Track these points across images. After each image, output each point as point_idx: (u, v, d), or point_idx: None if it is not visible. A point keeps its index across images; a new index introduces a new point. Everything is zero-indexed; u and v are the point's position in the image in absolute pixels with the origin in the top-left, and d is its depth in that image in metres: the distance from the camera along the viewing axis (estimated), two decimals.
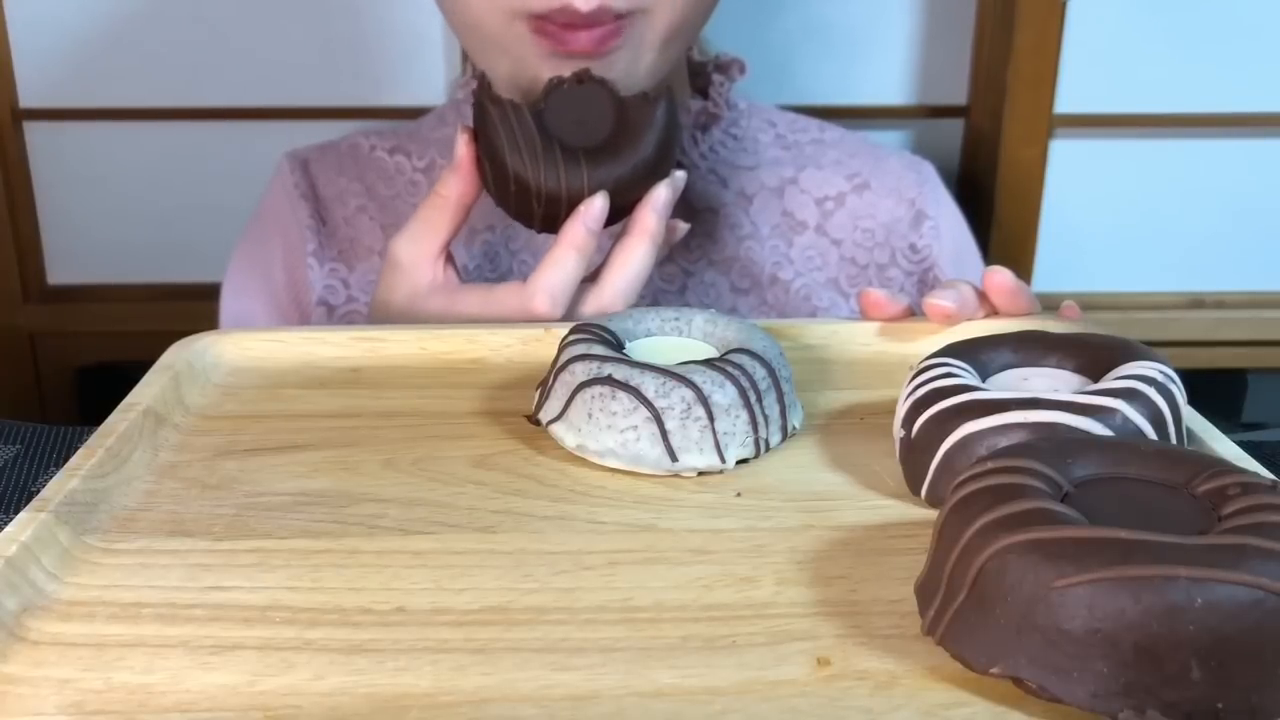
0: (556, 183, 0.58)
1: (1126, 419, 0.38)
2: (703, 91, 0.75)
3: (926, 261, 0.75)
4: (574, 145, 0.59)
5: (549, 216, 0.59)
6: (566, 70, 0.60)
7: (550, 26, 0.61)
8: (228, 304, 0.75)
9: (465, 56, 0.99)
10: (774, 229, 0.74)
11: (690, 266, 0.72)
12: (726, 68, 0.75)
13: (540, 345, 0.52)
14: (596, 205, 0.57)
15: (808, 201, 0.75)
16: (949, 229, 0.77)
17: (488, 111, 0.58)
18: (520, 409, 0.47)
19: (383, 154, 0.76)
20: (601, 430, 0.42)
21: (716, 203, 0.73)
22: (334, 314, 0.72)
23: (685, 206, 0.73)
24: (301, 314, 0.73)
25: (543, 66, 0.61)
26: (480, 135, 0.59)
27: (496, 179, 0.59)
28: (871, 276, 0.75)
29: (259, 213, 0.78)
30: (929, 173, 0.79)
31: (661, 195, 0.59)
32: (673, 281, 0.72)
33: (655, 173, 0.59)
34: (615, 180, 0.58)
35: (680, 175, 0.60)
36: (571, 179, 0.58)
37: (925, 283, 0.75)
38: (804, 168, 0.76)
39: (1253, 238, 1.06)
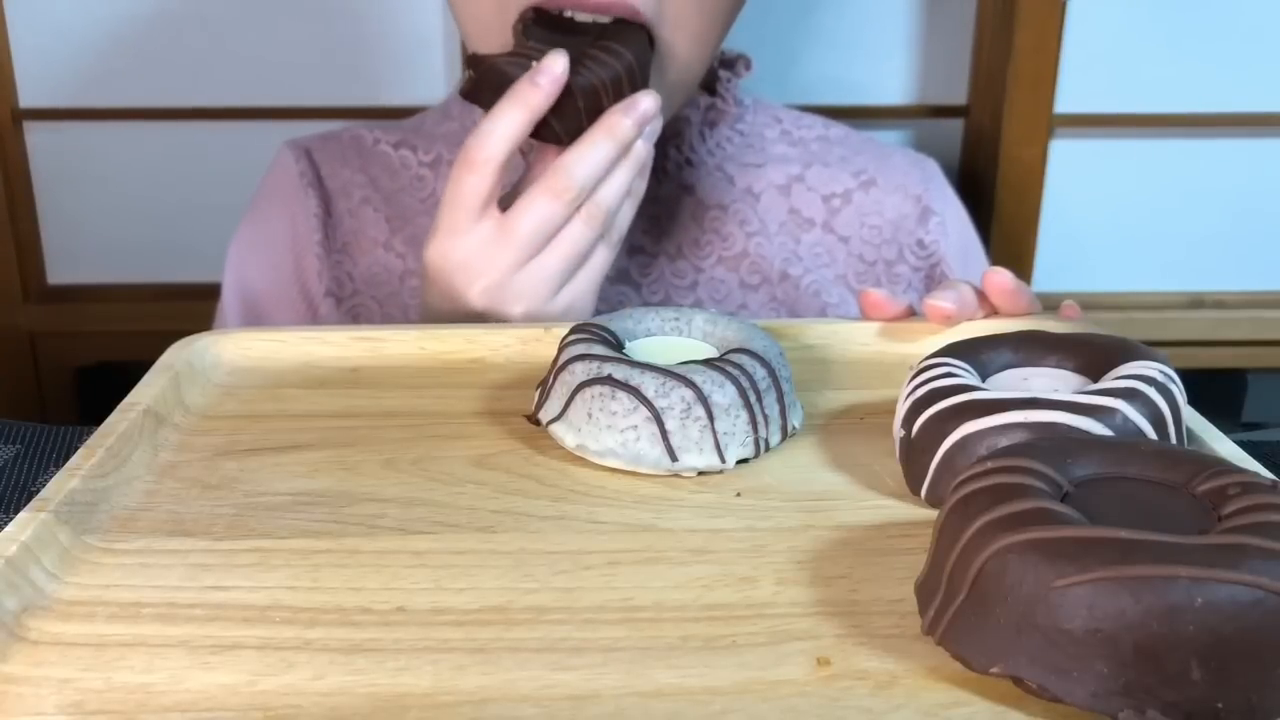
0: (616, 72, 0.57)
1: (1126, 419, 0.38)
2: (709, 88, 0.75)
3: (934, 257, 0.75)
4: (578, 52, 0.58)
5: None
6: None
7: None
8: (229, 297, 0.75)
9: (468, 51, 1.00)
10: (781, 226, 0.74)
11: (700, 264, 0.72)
12: (732, 64, 0.75)
13: (540, 345, 0.52)
14: (551, 61, 0.56)
15: (814, 199, 0.75)
16: (955, 225, 0.77)
17: (503, 71, 0.57)
18: (520, 409, 0.47)
19: (387, 148, 0.76)
20: (601, 430, 0.42)
21: (725, 200, 0.73)
22: (341, 306, 0.72)
23: (694, 203, 0.73)
24: (309, 304, 0.73)
25: None
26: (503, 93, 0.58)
27: (560, 112, 0.57)
28: (880, 273, 0.75)
29: (259, 202, 0.77)
30: (933, 169, 0.79)
31: (642, 103, 0.58)
32: (684, 278, 0.72)
33: (635, 80, 0.59)
34: (608, 69, 0.57)
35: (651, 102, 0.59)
36: (621, 60, 0.57)
37: (933, 278, 0.75)
38: (810, 165, 0.76)
39: (1253, 238, 1.06)
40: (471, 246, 0.57)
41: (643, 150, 0.59)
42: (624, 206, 0.60)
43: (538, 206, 0.56)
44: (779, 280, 0.73)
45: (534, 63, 0.57)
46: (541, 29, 0.60)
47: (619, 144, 0.57)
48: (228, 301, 0.75)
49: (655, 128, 0.59)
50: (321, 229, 0.73)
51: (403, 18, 1.00)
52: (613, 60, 0.57)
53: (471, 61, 0.59)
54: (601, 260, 0.60)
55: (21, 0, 0.98)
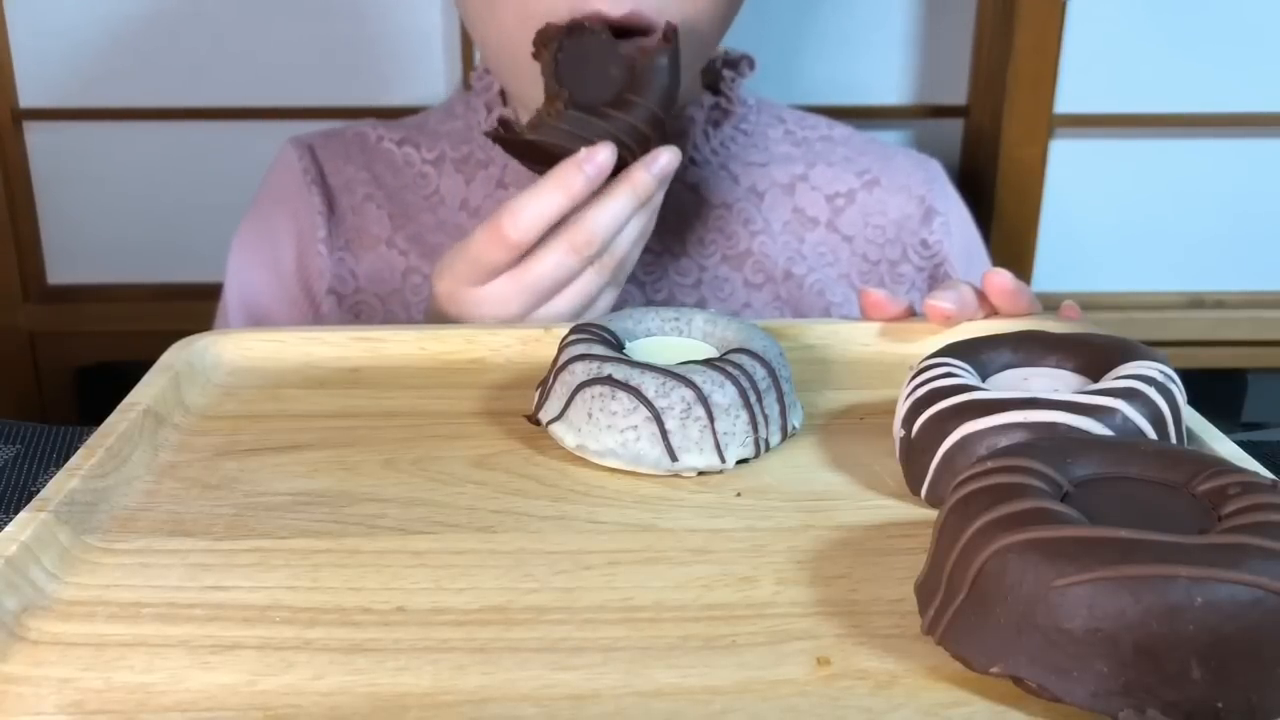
0: (641, 132, 0.57)
1: (1126, 419, 0.38)
2: (712, 88, 0.75)
3: (937, 257, 0.75)
4: (591, 101, 0.58)
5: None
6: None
7: None
8: (231, 293, 0.75)
9: (468, 58, 1.00)
10: (785, 225, 0.74)
11: (704, 262, 0.72)
12: (736, 63, 0.75)
13: (540, 345, 0.52)
14: (601, 153, 0.57)
15: (818, 198, 0.75)
16: (958, 225, 0.77)
17: (547, 149, 0.58)
18: (520, 409, 0.47)
19: (390, 145, 0.76)
20: (601, 430, 0.42)
21: (730, 199, 0.73)
22: (344, 303, 0.72)
23: (698, 202, 0.73)
24: (311, 301, 0.73)
25: None
26: (541, 157, 0.58)
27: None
28: (883, 273, 0.75)
29: (262, 200, 0.77)
30: (936, 170, 0.79)
31: (661, 158, 0.58)
32: (687, 276, 0.72)
33: (659, 127, 0.59)
34: (630, 129, 0.58)
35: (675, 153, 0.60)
36: (642, 113, 0.58)
37: (936, 278, 0.75)
38: (814, 164, 0.76)
39: (1253, 238, 1.06)
40: (487, 292, 0.57)
41: (658, 199, 0.60)
42: (634, 249, 0.60)
43: (556, 258, 0.56)
44: (783, 279, 0.73)
45: (582, 148, 0.57)
46: (570, 59, 0.59)
47: (640, 199, 0.58)
48: (230, 298, 0.75)
49: (670, 174, 0.60)
50: (325, 226, 0.73)
51: (403, 17, 1.00)
52: (632, 117, 0.58)
53: (503, 123, 0.58)
54: (607, 301, 0.61)
55: (21, 0, 0.98)
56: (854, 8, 1.01)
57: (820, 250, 0.74)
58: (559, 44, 0.59)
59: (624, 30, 0.61)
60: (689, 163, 0.73)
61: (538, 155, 0.58)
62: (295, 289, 0.73)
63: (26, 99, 1.01)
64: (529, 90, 0.66)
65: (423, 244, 0.72)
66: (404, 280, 0.72)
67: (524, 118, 0.72)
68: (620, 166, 0.58)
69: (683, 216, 0.73)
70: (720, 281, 0.72)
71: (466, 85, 0.77)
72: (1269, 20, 1.00)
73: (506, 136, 0.58)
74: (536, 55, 0.60)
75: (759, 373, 0.43)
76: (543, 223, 0.56)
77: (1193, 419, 0.42)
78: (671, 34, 0.60)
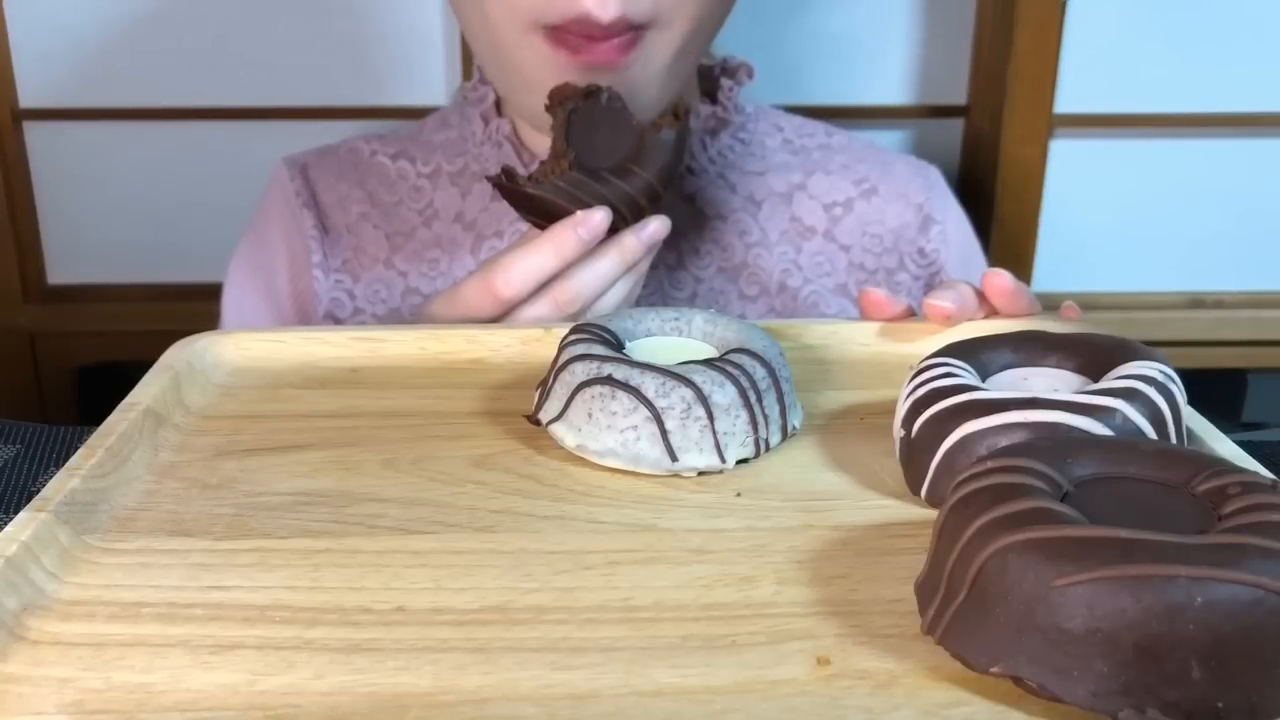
0: (634, 200, 0.59)
1: (1126, 419, 0.38)
2: (710, 95, 0.75)
3: (934, 266, 0.75)
4: (595, 165, 0.59)
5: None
6: (580, 82, 0.61)
7: (569, 37, 0.61)
8: (229, 315, 0.75)
9: (468, 59, 1.00)
10: (782, 235, 0.74)
11: (700, 274, 0.72)
12: (734, 71, 0.75)
13: (540, 345, 0.52)
14: (596, 218, 0.57)
15: (816, 207, 0.75)
16: (956, 233, 0.77)
17: (542, 203, 0.58)
18: (520, 409, 0.47)
19: (384, 159, 0.75)
20: (601, 430, 0.42)
21: (726, 209, 0.73)
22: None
23: (695, 213, 0.73)
24: (306, 325, 0.73)
25: (560, 81, 0.61)
26: (538, 211, 0.59)
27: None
28: (880, 282, 0.75)
29: (258, 221, 0.77)
30: (935, 177, 0.79)
31: (651, 225, 0.59)
32: (682, 289, 0.72)
33: (655, 200, 0.60)
34: (627, 198, 0.59)
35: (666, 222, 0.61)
36: (638, 181, 0.59)
37: (933, 288, 0.75)
38: (812, 173, 0.76)
39: (1253, 238, 1.06)
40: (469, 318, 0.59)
41: (644, 265, 0.61)
42: (615, 303, 0.61)
43: (539, 313, 0.57)
44: (777, 292, 0.72)
45: (579, 211, 0.58)
46: (582, 122, 0.60)
47: (627, 263, 0.59)
48: (228, 322, 0.75)
49: (658, 243, 0.61)
50: (320, 249, 0.73)
51: (403, 18, 1.00)
52: (631, 187, 0.59)
53: (506, 173, 0.59)
54: None
55: (21, 0, 0.98)
56: (854, 8, 1.01)
57: (817, 260, 0.74)
58: (574, 106, 0.60)
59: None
60: (685, 172, 0.73)
61: (535, 208, 0.59)
62: (290, 314, 0.73)
63: (26, 99, 1.01)
64: (520, 90, 0.66)
65: (420, 260, 0.72)
66: (403, 300, 0.72)
67: (520, 124, 0.72)
68: (611, 232, 0.59)
69: (678, 227, 0.73)
70: (715, 294, 0.72)
71: (464, 95, 0.77)
72: (1269, 20, 1.00)
73: (508, 186, 0.59)
74: (549, 110, 0.61)
75: (759, 373, 0.43)
76: (533, 282, 0.57)
77: (1193, 419, 0.42)
78: (684, 114, 0.61)
